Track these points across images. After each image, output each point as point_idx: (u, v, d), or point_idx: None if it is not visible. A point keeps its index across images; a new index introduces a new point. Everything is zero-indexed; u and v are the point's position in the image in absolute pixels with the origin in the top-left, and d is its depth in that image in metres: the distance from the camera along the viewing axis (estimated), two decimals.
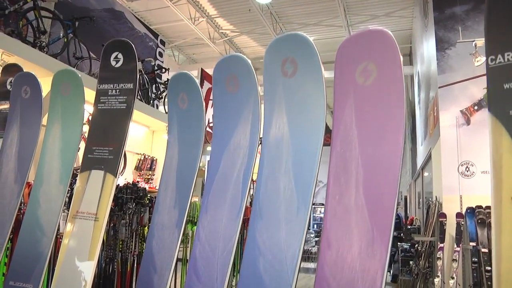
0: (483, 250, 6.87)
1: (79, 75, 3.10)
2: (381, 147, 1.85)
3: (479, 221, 7.53)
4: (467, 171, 8.29)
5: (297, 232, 1.97)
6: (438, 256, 8.30)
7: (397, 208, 1.78)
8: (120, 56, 2.96)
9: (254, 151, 2.34)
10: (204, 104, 2.71)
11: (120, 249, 4.42)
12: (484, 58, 7.13)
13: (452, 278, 6.60)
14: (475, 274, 7.29)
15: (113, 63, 2.98)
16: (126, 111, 2.88)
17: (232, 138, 2.46)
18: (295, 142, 2.14)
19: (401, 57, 1.89)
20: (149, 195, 4.82)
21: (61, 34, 5.95)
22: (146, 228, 4.54)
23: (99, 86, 3.02)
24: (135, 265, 4.30)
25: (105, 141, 2.88)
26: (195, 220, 5.05)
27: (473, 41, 7.06)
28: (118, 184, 4.33)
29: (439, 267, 8.16)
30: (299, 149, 2.11)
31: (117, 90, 2.93)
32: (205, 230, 2.38)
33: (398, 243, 9.19)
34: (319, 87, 2.10)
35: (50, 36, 6.00)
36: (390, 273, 8.52)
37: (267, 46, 2.32)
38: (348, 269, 1.77)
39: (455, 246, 7.75)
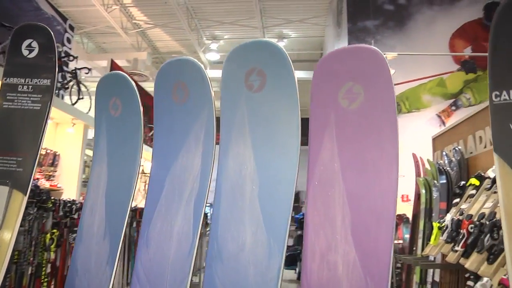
0: None
1: None
2: (372, 185, 1.53)
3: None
4: None
5: (270, 278, 1.58)
6: None
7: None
8: (34, 44, 2.27)
9: (208, 176, 1.88)
10: (142, 111, 2.18)
11: (16, 260, 3.63)
12: (394, 71, 7.36)
13: None
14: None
15: (25, 52, 2.28)
16: (40, 112, 2.22)
17: (178, 158, 1.98)
18: (262, 170, 1.74)
19: (392, 79, 1.59)
20: (52, 198, 4.08)
21: None
22: (48, 235, 3.84)
23: (4, 80, 2.30)
24: (33, 278, 3.58)
25: (12, 149, 2.19)
26: None
27: (384, 54, 7.23)
28: None
29: None
30: (268, 179, 1.72)
31: (30, 87, 2.24)
32: (145, 269, 1.87)
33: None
34: (292, 104, 1.72)
35: None
36: (295, 271, 8.48)
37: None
38: None
39: None
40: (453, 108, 9.70)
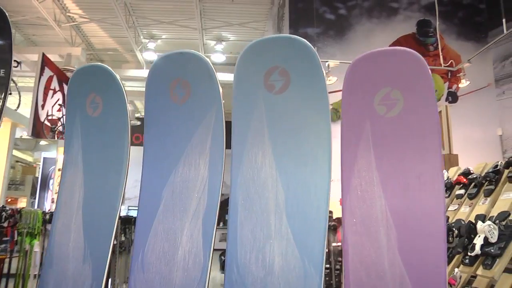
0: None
1: None
2: (418, 200, 1.38)
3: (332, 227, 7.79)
4: None
5: None
6: None
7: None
8: None
9: (218, 188, 1.61)
10: (128, 110, 1.83)
11: None
12: (336, 78, 7.47)
13: None
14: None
15: None
16: None
17: (177, 167, 1.68)
18: (287, 182, 1.51)
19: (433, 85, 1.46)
20: None
21: None
22: None
23: None
24: None
25: None
26: (36, 232, 3.98)
27: (326, 61, 7.29)
28: None
29: None
30: (296, 192, 1.49)
31: None
32: None
33: None
34: (322, 108, 1.51)
35: None
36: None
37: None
38: None
39: None
40: None
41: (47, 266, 1.76)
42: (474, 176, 2.52)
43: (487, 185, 2.37)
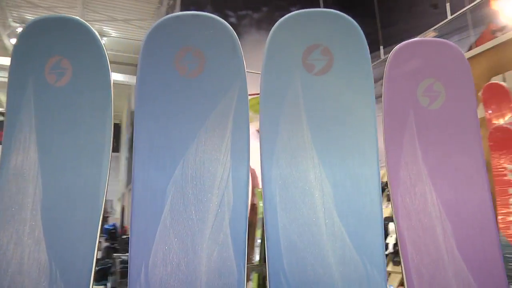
0: None
1: None
2: (466, 193, 1.31)
3: None
4: None
5: None
6: None
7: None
8: None
9: (247, 182, 1.31)
10: (111, 79, 1.39)
11: None
12: None
13: None
14: None
15: None
16: None
17: (186, 156, 1.32)
18: (333, 175, 1.29)
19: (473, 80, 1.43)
20: None
21: None
22: None
23: None
24: None
25: None
26: None
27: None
28: None
29: None
30: (344, 186, 1.29)
31: None
32: None
33: (114, 254, 8.29)
34: (368, 93, 1.35)
35: None
36: (106, 286, 7.51)
37: None
38: None
39: None
40: None
41: None
42: None
43: None
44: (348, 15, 1.35)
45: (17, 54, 1.41)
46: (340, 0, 8.40)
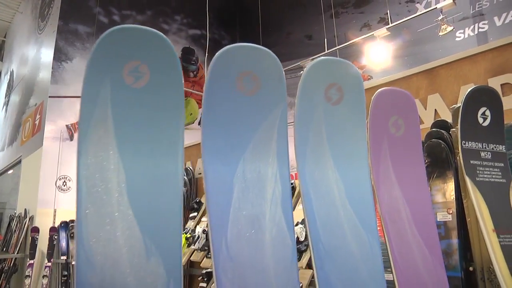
0: (73, 263, 6.98)
1: None
2: (418, 191, 2.02)
3: (71, 235, 7.56)
4: (64, 186, 8.04)
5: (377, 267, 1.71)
6: (27, 274, 7.59)
7: None
8: None
9: (288, 178, 1.72)
10: (183, 83, 1.62)
11: None
12: None
13: None
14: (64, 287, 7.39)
15: None
16: None
17: (244, 156, 1.68)
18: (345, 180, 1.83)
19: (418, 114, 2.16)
20: None
21: None
22: None
23: None
24: None
25: None
26: None
27: None
28: None
29: (27, 285, 7.47)
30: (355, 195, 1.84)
31: None
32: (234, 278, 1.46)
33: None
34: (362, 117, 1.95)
35: None
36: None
37: None
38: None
39: (46, 261, 7.35)
40: None
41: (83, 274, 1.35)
42: None
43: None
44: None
45: (98, 55, 1.56)
46: (224, 20, 9.03)
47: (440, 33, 6.27)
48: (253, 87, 1.75)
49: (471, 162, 2.19)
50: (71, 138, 7.96)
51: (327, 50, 6.29)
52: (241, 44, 1.77)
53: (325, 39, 6.31)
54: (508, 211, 2.15)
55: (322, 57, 1.92)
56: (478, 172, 2.18)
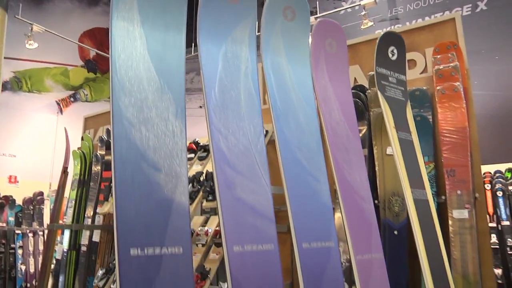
0: None
1: None
2: (343, 88, 2.80)
3: None
4: None
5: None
6: None
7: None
8: None
9: (254, 63, 2.37)
10: None
11: None
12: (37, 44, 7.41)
13: None
14: None
15: None
16: None
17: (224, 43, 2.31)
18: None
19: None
20: None
21: None
22: None
23: None
24: None
25: None
26: None
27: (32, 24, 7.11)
28: None
29: None
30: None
31: None
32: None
33: None
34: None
35: None
36: None
37: None
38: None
39: None
40: (72, 99, 10.40)
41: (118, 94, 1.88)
42: (201, 145, 3.41)
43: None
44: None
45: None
46: None
47: (362, 27, 7.36)
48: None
49: (382, 82, 3.01)
50: None
51: None
52: None
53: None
54: (404, 117, 3.00)
55: None
56: (386, 89, 3.01)
